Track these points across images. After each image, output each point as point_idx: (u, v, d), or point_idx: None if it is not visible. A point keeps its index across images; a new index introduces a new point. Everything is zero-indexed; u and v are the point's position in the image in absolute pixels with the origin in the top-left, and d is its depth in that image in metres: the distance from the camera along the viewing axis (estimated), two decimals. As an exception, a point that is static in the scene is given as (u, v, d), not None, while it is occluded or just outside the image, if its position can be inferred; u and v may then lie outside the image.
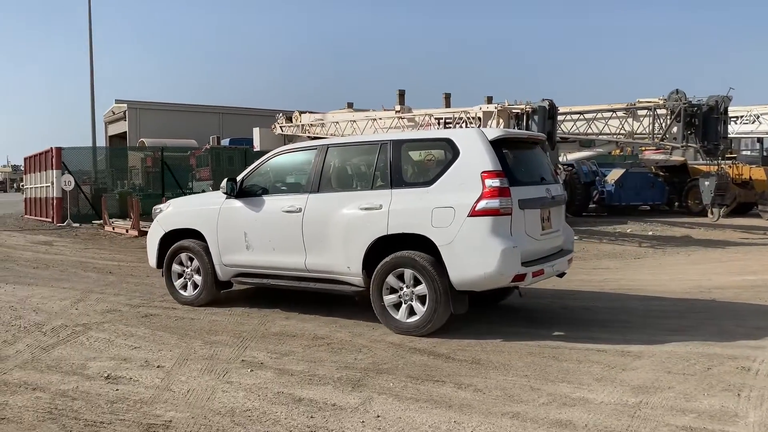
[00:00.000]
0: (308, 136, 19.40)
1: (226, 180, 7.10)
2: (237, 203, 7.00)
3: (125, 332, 6.31)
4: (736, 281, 8.81)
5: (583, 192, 20.57)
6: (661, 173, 22.09)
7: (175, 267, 7.52)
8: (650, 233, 15.78)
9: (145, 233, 15.81)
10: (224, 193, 7.04)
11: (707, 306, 7.20)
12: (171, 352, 5.60)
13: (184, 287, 7.51)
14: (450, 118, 15.38)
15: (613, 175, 20.97)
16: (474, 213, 5.61)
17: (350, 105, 29.03)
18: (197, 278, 7.37)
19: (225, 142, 30.93)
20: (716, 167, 16.26)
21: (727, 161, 18.46)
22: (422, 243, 5.83)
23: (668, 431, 3.82)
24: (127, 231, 16.48)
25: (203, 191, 23.15)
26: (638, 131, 14.84)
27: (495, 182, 5.63)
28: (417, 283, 5.86)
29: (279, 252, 6.70)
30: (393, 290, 6.04)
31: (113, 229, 17.29)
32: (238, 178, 7.10)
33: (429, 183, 6.00)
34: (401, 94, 38.25)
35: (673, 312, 6.87)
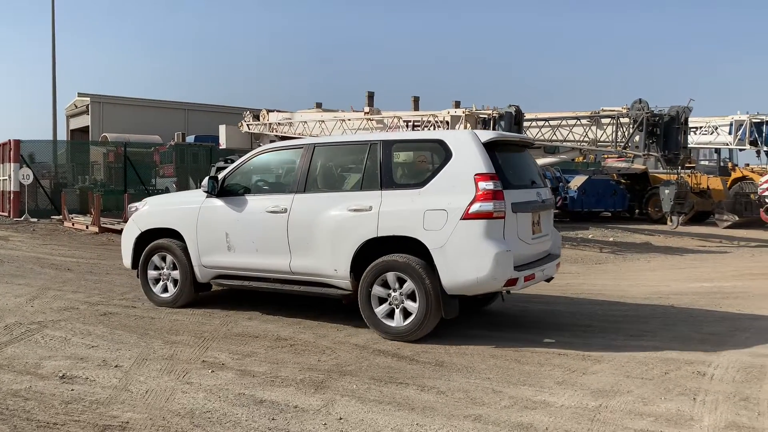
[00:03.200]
0: (276, 135, 19.25)
1: (207, 178, 6.89)
2: (218, 202, 6.80)
3: (82, 331, 6.16)
4: (693, 288, 9.03)
5: (547, 198, 20.81)
6: (623, 181, 22.54)
7: (151, 267, 7.29)
8: (611, 239, 16.08)
9: (106, 230, 15.56)
10: (205, 191, 6.86)
11: (666, 312, 7.36)
12: (130, 352, 5.48)
13: (161, 288, 7.27)
14: (418, 121, 15.43)
15: (576, 181, 21.32)
16: (467, 216, 5.51)
17: (319, 105, 28.88)
18: (175, 279, 7.14)
19: (190, 139, 30.49)
20: (676, 176, 16.65)
21: (686, 170, 18.92)
22: (413, 246, 5.73)
23: (626, 434, 3.88)
24: (87, 227, 16.10)
25: (167, 189, 22.81)
26: (601, 139, 15.09)
27: (489, 185, 5.54)
28: (407, 287, 5.74)
29: (262, 253, 6.52)
30: (382, 294, 5.90)
31: (73, 225, 16.88)
32: (220, 177, 6.88)
33: (420, 185, 5.87)
34: (370, 96, 38.23)
35: (633, 317, 7.00)
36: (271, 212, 6.41)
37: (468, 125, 14.15)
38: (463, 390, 4.62)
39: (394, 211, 5.80)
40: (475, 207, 5.51)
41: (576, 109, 15.59)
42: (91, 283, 8.82)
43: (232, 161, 19.23)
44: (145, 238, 7.35)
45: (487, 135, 5.92)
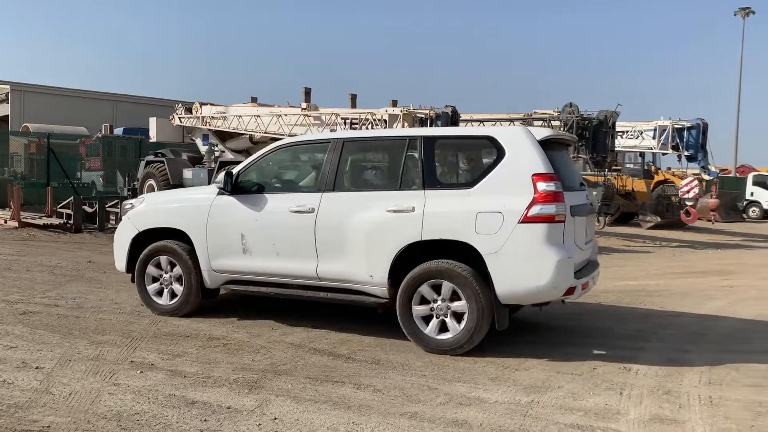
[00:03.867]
0: (209, 129, 18.82)
1: (224, 173, 6.22)
2: (232, 200, 6.19)
3: (0, 331, 5.82)
4: (619, 286, 9.38)
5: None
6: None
7: (151, 271, 6.62)
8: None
9: (26, 225, 14.79)
10: (220, 188, 6.24)
11: (593, 309, 7.60)
12: (52, 353, 5.22)
13: (160, 294, 6.63)
14: (356, 119, 15.41)
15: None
16: (526, 219, 5.10)
17: (254, 99, 28.32)
18: (177, 285, 6.53)
19: (118, 131, 29.40)
20: (603, 178, 17.26)
21: (612, 173, 19.63)
22: (455, 251, 5.33)
23: (557, 430, 3.97)
24: (5, 221, 15.27)
25: (93, 183, 21.93)
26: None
27: (549, 186, 5.16)
28: (454, 295, 5.33)
29: (284, 257, 5.95)
30: (424, 303, 5.46)
31: (-11, 219, 15.95)
32: (234, 172, 6.24)
33: (469, 184, 5.44)
34: (307, 92, 37.84)
35: (562, 314, 7.19)
36: (296, 212, 5.85)
37: (405, 124, 14.22)
38: (399, 388, 4.63)
39: (440, 213, 5.34)
40: (536, 210, 5.11)
41: (510, 110, 15.93)
42: (9, 281, 8.36)
43: (163, 155, 18.82)
44: (143, 239, 6.69)
45: (542, 132, 5.59)
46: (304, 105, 17.09)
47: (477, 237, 5.20)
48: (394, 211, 5.48)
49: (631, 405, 4.40)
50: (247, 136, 17.96)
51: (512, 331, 6.34)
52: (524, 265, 5.11)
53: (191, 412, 4.08)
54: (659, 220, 20.16)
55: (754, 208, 30.22)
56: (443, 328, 5.42)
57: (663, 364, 5.31)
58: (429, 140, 5.64)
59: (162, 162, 18.21)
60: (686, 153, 18.78)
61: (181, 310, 6.52)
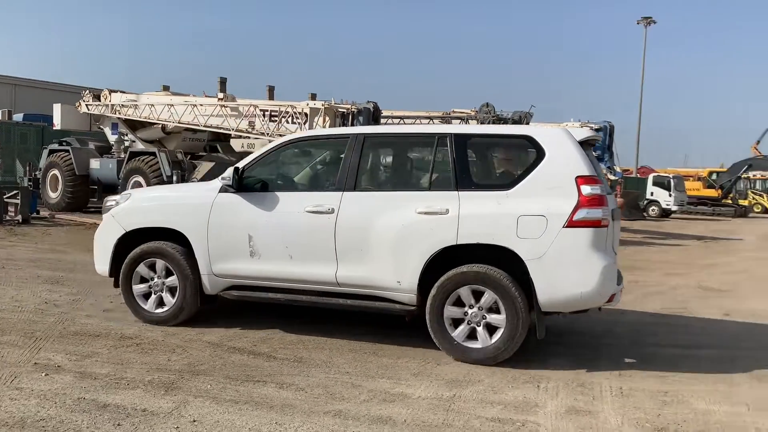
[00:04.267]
0: (119, 118, 17.95)
1: (231, 168, 5.75)
2: (238, 198, 5.70)
3: None
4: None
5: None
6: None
7: (139, 275, 6.04)
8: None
9: None
10: (227, 185, 5.70)
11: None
12: (-57, 356, 4.81)
13: (153, 302, 6.04)
14: (276, 111, 15.12)
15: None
16: (571, 223, 4.90)
17: (166, 88, 27.36)
18: (171, 291, 5.97)
19: (18, 117, 27.59)
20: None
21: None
22: (488, 255, 5.12)
23: (479, 423, 4.04)
24: None
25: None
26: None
27: (595, 189, 4.97)
28: (490, 302, 5.10)
29: (299, 261, 5.54)
30: (456, 312, 5.22)
31: None
32: (239, 167, 5.76)
33: (507, 186, 5.17)
34: (222, 82, 36.97)
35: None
36: (313, 212, 5.44)
37: (327, 118, 14.12)
38: (322, 385, 4.57)
39: (478, 216, 5.08)
40: (582, 214, 4.91)
41: (429, 108, 16.14)
42: None
43: (68, 144, 17.81)
44: (130, 239, 6.08)
45: (582, 133, 5.45)
46: (220, 95, 16.60)
47: (518, 241, 4.96)
48: (426, 213, 5.18)
49: (548, 398, 4.54)
50: (160, 125, 17.28)
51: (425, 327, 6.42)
52: (569, 271, 4.93)
53: (103, 416, 3.86)
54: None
55: (653, 207, 32.14)
56: (475, 335, 5.18)
57: (576, 358, 5.51)
58: (460, 138, 5.37)
59: (67, 151, 17.24)
60: (594, 153, 19.68)
61: (176, 318, 5.95)
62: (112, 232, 6.15)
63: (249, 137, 16.70)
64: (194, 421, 3.87)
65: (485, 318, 5.12)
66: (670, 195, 31.93)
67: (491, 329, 5.12)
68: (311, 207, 5.47)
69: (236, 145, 17.96)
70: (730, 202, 35.24)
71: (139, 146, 17.28)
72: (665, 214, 31.66)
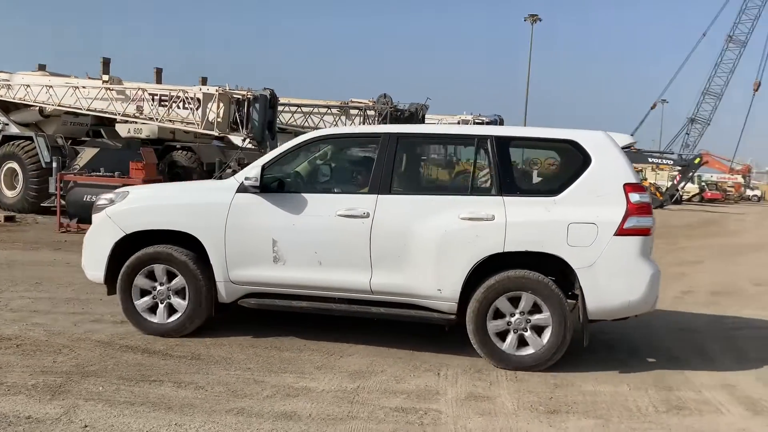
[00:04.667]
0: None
1: (259, 167, 5.31)
2: (260, 200, 5.30)
3: None
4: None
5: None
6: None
7: (141, 283, 5.48)
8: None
9: None
10: (252, 185, 5.25)
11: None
12: None
13: (153, 311, 5.52)
14: (166, 95, 14.45)
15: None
16: (621, 231, 4.84)
17: (42, 67, 25.39)
18: (178, 299, 5.47)
19: None
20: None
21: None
22: (530, 262, 5.01)
23: (383, 414, 4.09)
24: None
25: None
26: (350, 128, 15.77)
27: (644, 197, 4.97)
28: (535, 310, 4.99)
29: (329, 268, 5.22)
30: (497, 317, 5.04)
31: None
32: (260, 165, 5.37)
33: (554, 192, 5.06)
34: (105, 63, 34.80)
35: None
36: (346, 216, 5.13)
37: (221, 104, 13.68)
38: (223, 383, 4.46)
39: (526, 223, 4.95)
40: (632, 222, 4.86)
41: (327, 98, 16.08)
42: None
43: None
44: (128, 243, 5.52)
45: (624, 139, 5.37)
46: (105, 77, 15.66)
47: (569, 249, 4.88)
48: (470, 219, 5.00)
49: (448, 385, 4.67)
50: (37, 108, 16.07)
51: (331, 318, 6.41)
52: (619, 280, 4.90)
53: (-19, 426, 3.56)
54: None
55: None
56: (521, 343, 5.07)
57: (471, 345, 5.69)
58: (501, 141, 5.21)
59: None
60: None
61: (185, 329, 5.47)
62: (108, 235, 5.53)
63: (136, 122, 15.90)
64: (86, 426, 3.66)
65: (529, 321, 5.01)
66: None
67: (538, 335, 5.02)
68: (344, 210, 5.17)
69: (122, 130, 17.01)
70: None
71: (14, 130, 15.98)
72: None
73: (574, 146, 5.15)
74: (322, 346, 5.40)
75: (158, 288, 5.48)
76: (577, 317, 5.03)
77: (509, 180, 5.13)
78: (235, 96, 13.91)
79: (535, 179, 5.66)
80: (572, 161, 5.21)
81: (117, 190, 5.93)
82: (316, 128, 15.91)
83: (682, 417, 4.30)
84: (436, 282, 5.04)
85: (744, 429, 4.16)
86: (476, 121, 21.07)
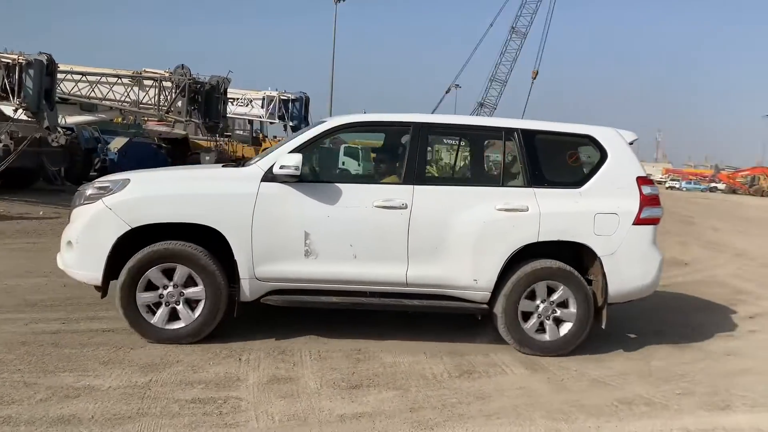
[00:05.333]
0: None
1: (298, 156, 4.88)
2: (289, 189, 4.92)
3: None
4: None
5: (83, 158, 19.31)
6: (164, 145, 22.48)
7: (146, 286, 4.85)
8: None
9: None
10: (290, 174, 4.84)
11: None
12: None
13: (162, 315, 4.87)
14: None
15: (116, 143, 20.27)
16: (638, 221, 5.19)
17: None
18: (189, 301, 4.90)
19: None
20: (215, 143, 17.44)
21: (224, 138, 19.97)
22: (554, 251, 5.20)
23: (178, 407, 3.82)
24: None
25: None
26: (143, 101, 14.69)
27: (654, 189, 5.36)
28: (560, 297, 5.19)
29: (364, 261, 4.99)
30: (528, 308, 5.19)
31: None
32: (294, 153, 4.93)
33: (577, 184, 5.27)
34: None
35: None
36: (384, 207, 4.95)
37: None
38: (-16, 390, 3.86)
39: (557, 213, 5.13)
40: (647, 212, 5.24)
41: (117, 66, 14.76)
42: None
43: None
44: (132, 238, 4.83)
45: (630, 135, 5.59)
46: None
47: (595, 238, 5.14)
48: (507, 210, 5.08)
49: (250, 370, 4.51)
50: None
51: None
52: (635, 265, 5.23)
53: None
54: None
55: (344, 175, 34.42)
56: (553, 329, 5.23)
57: (275, 326, 5.57)
58: (528, 134, 5.32)
59: None
60: (291, 123, 20.26)
61: (199, 334, 4.93)
62: (109, 228, 4.82)
63: None
64: None
65: (555, 312, 5.20)
66: (359, 164, 34.59)
67: (558, 322, 5.23)
68: (381, 201, 4.99)
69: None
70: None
71: None
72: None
73: (591, 141, 5.43)
74: (110, 339, 4.93)
75: (168, 289, 4.91)
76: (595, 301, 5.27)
77: (538, 172, 5.27)
78: (3, 60, 12.19)
79: (558, 171, 5.63)
80: (590, 155, 5.53)
81: (111, 177, 5.17)
82: (105, 99, 14.60)
83: (473, 380, 4.59)
84: (473, 272, 5.08)
85: (524, 386, 4.55)
86: (282, 97, 20.77)
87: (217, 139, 17.64)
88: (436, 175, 5.78)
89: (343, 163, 35.73)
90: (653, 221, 5.33)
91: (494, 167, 5.58)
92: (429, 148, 5.43)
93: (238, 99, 20.62)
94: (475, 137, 5.89)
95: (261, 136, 26.69)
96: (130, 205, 4.88)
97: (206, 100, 14.82)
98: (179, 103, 14.57)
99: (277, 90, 20.45)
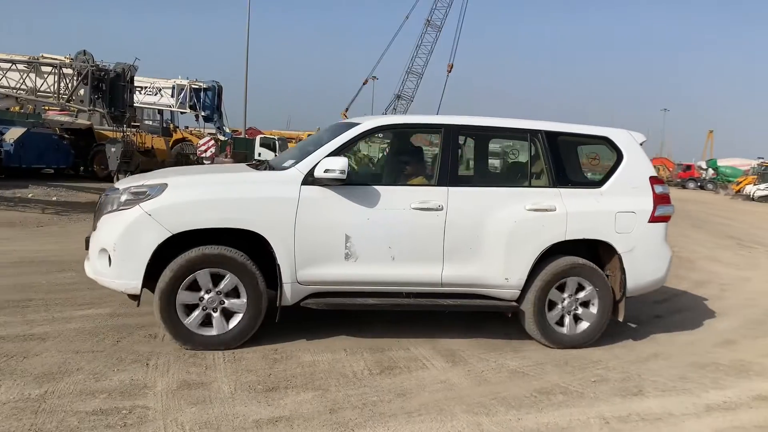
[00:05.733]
0: None
1: (343, 159, 4.83)
2: (330, 193, 4.90)
3: None
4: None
5: (-26, 150, 17.91)
6: (67, 135, 21.19)
7: (187, 291, 4.73)
8: (54, 198, 14.91)
9: None
10: (336, 178, 4.81)
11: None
12: None
13: (202, 322, 4.80)
14: None
15: (13, 133, 18.92)
16: (653, 219, 5.46)
17: None
18: (229, 306, 4.83)
19: None
20: (121, 134, 16.57)
21: (131, 129, 19.01)
22: (573, 248, 5.41)
23: (77, 420, 3.52)
24: None
25: None
26: (42, 89, 13.74)
27: (665, 189, 5.63)
28: (580, 291, 5.41)
29: (402, 262, 5.02)
30: (551, 302, 5.37)
31: None
32: (338, 156, 4.88)
33: (598, 184, 5.52)
34: None
35: (82, 284, 6.52)
36: (421, 209, 5.02)
37: None
38: None
39: (582, 213, 5.32)
40: (660, 210, 5.50)
41: (12, 51, 13.72)
42: None
43: None
44: (170, 244, 4.68)
45: (641, 137, 5.81)
46: None
47: (616, 236, 5.36)
48: (536, 210, 5.23)
49: (158, 375, 4.23)
50: None
51: (17, 312, 5.46)
52: (650, 261, 5.50)
53: None
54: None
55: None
56: (574, 323, 5.44)
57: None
58: (551, 135, 5.49)
59: None
60: (203, 113, 19.55)
61: (242, 338, 4.86)
62: (149, 235, 4.63)
63: None
64: None
65: (578, 309, 5.43)
66: (275, 155, 34.03)
67: (581, 317, 5.45)
68: (418, 203, 5.04)
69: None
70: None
71: None
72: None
73: (608, 142, 5.66)
74: (0, 348, 4.50)
75: (206, 295, 4.79)
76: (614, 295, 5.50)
77: (562, 173, 5.44)
78: None
79: (578, 172, 5.83)
80: (607, 156, 5.75)
81: (146, 182, 4.88)
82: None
83: (394, 377, 4.51)
84: (504, 271, 5.20)
85: (445, 380, 4.51)
86: (193, 86, 20.00)
87: (124, 129, 16.73)
88: (468, 175, 5.84)
89: (260, 154, 35.22)
90: (665, 219, 5.60)
91: (521, 168, 5.76)
92: (460, 150, 5.54)
93: (146, 88, 19.66)
94: (504, 138, 6.08)
95: (171, 126, 25.63)
96: (171, 211, 4.71)
97: (111, 88, 13.97)
98: (81, 92, 13.69)
99: (188, 79, 19.66)
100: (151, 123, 24.43)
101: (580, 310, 5.43)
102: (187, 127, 26.78)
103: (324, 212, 4.92)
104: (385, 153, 6.07)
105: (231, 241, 4.84)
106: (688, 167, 56.19)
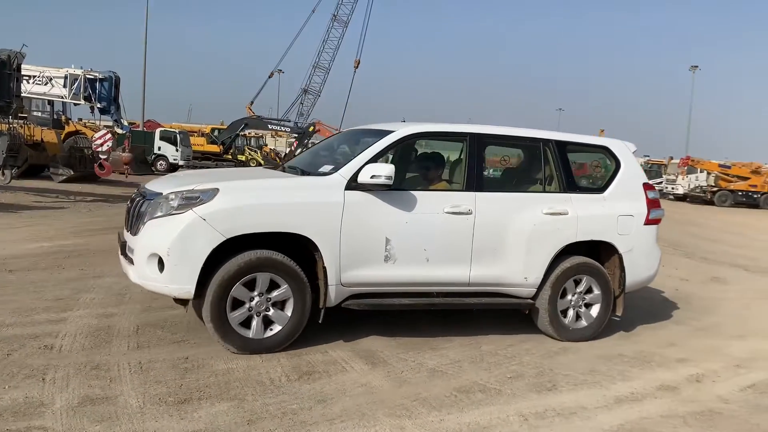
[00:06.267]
0: None
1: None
2: (372, 198, 5.07)
3: None
4: (33, 249, 8.44)
5: None
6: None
7: (237, 294, 4.71)
8: (-71, 196, 13.61)
9: None
10: (383, 184, 4.99)
11: (2, 280, 6.56)
12: None
13: (246, 325, 4.77)
14: None
15: None
16: (648, 221, 6.02)
17: None
18: (275, 310, 4.86)
19: None
20: (8, 126, 15.39)
21: (19, 121, 17.66)
22: (577, 249, 5.83)
23: (-37, 446, 3.16)
24: None
25: None
26: None
27: (656, 194, 6.22)
28: (589, 289, 5.89)
29: (435, 264, 5.29)
30: (562, 298, 5.81)
31: None
32: (360, 162, 5.10)
33: (600, 190, 6.06)
34: None
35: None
36: (452, 213, 5.32)
37: None
38: None
39: (591, 216, 5.79)
40: (653, 213, 6.05)
41: None
42: None
43: None
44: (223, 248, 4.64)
45: (631, 146, 6.33)
46: None
47: (618, 237, 5.88)
48: (552, 214, 5.62)
49: (56, 391, 3.90)
50: None
51: None
52: (645, 260, 6.06)
53: None
54: (72, 173, 19.28)
55: (161, 162, 32.38)
56: (580, 317, 5.89)
57: (89, 335, 4.94)
58: (560, 145, 5.92)
59: None
60: (99, 105, 18.43)
61: (287, 341, 4.94)
62: (203, 239, 4.63)
63: None
64: None
65: (583, 305, 5.87)
66: (177, 150, 32.70)
67: (591, 307, 5.91)
68: (449, 208, 5.32)
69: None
70: (230, 157, 38.04)
71: None
72: (173, 168, 32.30)
73: (607, 151, 6.20)
74: None
75: (255, 299, 4.82)
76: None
77: (570, 179, 5.88)
78: None
79: (582, 178, 6.49)
80: (607, 163, 6.27)
81: (197, 186, 4.81)
82: None
83: (313, 382, 4.39)
84: (524, 271, 5.56)
85: (365, 383, 4.44)
86: (88, 76, 18.80)
87: (10, 121, 15.53)
88: (491, 180, 6.22)
89: (159, 148, 33.60)
90: (657, 221, 6.17)
91: (536, 174, 6.11)
92: (500, 157, 6.19)
93: (35, 77, 18.28)
94: (521, 147, 6.33)
95: (64, 118, 24.07)
96: (226, 215, 4.71)
97: (-5, 76, 12.97)
98: (-40, 79, 12.60)
99: (82, 68, 18.43)
100: (40, 114, 22.86)
101: (586, 307, 5.90)
102: (80, 120, 25.24)
103: (367, 216, 5.11)
104: (413, 158, 6.28)
105: (269, 246, 4.88)
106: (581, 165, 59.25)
